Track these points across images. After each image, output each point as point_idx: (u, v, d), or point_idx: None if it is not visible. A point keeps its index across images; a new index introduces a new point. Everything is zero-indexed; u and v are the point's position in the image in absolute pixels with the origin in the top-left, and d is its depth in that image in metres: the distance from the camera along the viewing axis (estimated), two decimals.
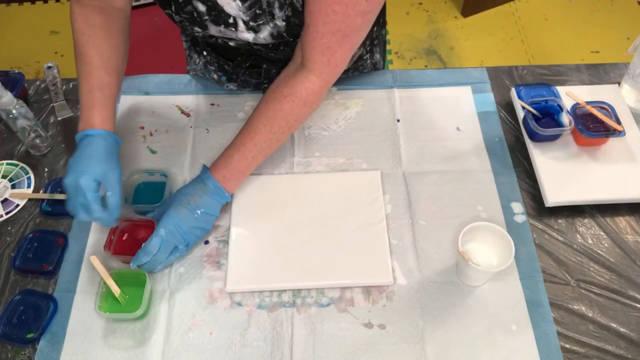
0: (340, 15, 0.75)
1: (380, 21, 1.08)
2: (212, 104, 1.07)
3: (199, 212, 0.85)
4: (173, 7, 0.84)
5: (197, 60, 1.08)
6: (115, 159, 0.83)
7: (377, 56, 1.11)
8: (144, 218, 0.89)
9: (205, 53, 1.05)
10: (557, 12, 2.49)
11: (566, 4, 2.52)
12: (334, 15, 0.75)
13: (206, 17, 0.85)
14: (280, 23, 0.83)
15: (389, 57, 2.32)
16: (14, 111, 0.94)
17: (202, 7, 0.84)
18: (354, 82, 1.10)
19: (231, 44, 0.91)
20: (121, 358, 0.79)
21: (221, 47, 1.00)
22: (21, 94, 1.05)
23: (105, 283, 0.82)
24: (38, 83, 1.11)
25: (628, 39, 2.33)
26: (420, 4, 2.54)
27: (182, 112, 1.06)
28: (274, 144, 0.88)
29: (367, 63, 1.10)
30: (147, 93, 1.09)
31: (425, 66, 2.28)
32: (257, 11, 0.82)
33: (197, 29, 0.88)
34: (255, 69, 1.02)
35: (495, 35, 2.40)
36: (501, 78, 1.12)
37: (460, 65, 2.27)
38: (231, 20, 0.84)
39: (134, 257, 0.82)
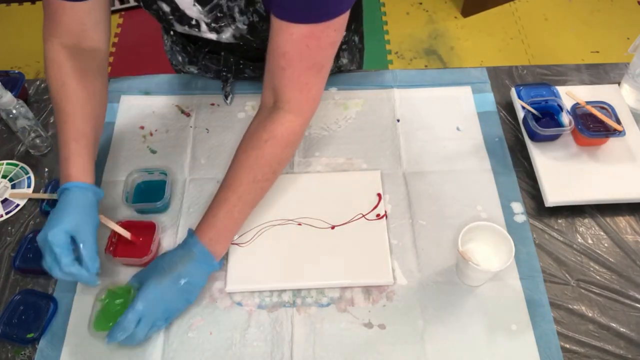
0: (314, 49, 0.74)
1: (352, 27, 1.07)
2: (212, 104, 1.07)
3: (182, 281, 0.77)
4: (141, 2, 0.85)
5: (166, 40, 1.10)
6: (90, 211, 0.77)
7: (344, 60, 1.09)
8: (144, 221, 0.88)
9: (172, 33, 1.06)
10: (557, 12, 2.49)
11: (566, 4, 2.52)
12: (309, 51, 0.74)
13: (171, 17, 0.86)
14: (242, 26, 0.83)
15: (389, 57, 2.32)
16: (14, 111, 0.94)
17: (166, 8, 0.84)
18: (354, 82, 1.10)
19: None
20: (121, 358, 0.79)
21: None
22: (21, 94, 1.05)
23: (100, 301, 0.79)
24: (38, 83, 1.11)
25: (628, 39, 2.33)
26: (420, 4, 2.54)
27: (182, 112, 1.06)
28: (259, 193, 0.82)
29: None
30: (147, 93, 1.09)
31: (425, 66, 2.28)
32: (218, 14, 0.82)
33: (164, 24, 0.89)
34: (215, 55, 1.03)
35: (495, 35, 2.40)
36: (501, 78, 1.12)
37: (460, 65, 2.27)
38: (194, 22, 0.85)
39: (109, 332, 0.74)
